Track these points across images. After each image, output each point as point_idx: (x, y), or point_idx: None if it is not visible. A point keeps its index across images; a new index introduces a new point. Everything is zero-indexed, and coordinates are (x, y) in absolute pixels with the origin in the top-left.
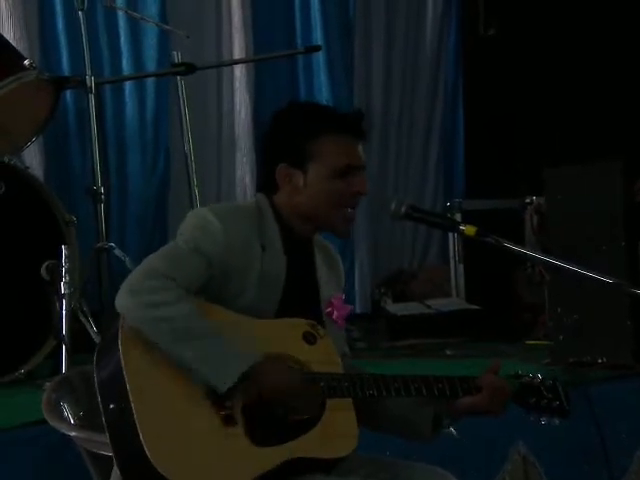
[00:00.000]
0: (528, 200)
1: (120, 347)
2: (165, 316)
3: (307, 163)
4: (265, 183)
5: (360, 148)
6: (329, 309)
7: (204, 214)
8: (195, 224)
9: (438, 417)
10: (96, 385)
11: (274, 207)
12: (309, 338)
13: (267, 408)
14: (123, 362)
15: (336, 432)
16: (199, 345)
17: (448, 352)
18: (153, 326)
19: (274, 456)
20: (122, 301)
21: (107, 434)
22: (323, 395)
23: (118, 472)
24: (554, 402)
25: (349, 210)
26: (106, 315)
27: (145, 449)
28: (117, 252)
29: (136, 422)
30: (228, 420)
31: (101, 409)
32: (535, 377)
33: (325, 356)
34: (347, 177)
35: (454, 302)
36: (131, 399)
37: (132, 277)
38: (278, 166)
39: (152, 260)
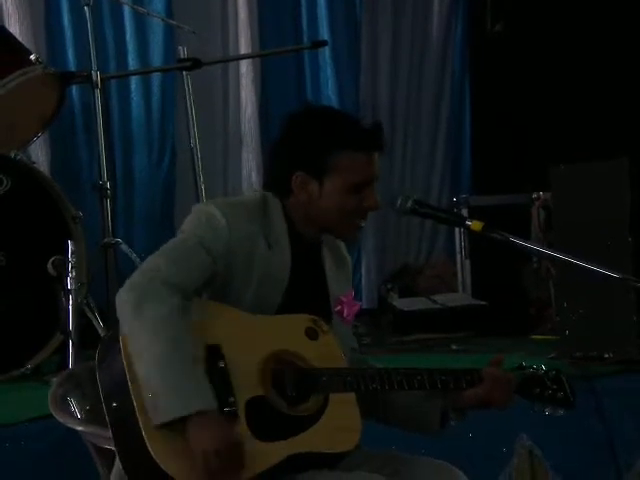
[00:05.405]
0: (535, 196)
1: (121, 345)
2: (147, 327)
3: (324, 175)
4: (278, 186)
5: (376, 159)
6: (339, 307)
7: (208, 209)
8: (199, 219)
9: (445, 410)
10: (99, 384)
11: (285, 209)
12: (311, 334)
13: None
14: (124, 360)
15: (339, 426)
16: (160, 369)
17: (454, 347)
18: (132, 329)
19: (278, 451)
20: (119, 296)
21: (110, 432)
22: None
23: (120, 466)
24: (558, 393)
25: (359, 221)
26: (112, 310)
27: (148, 446)
28: (123, 247)
29: (139, 419)
30: (230, 416)
31: (104, 408)
32: (539, 368)
33: (328, 351)
34: (361, 192)
35: (460, 297)
36: (133, 397)
37: (134, 275)
38: (295, 173)
39: (156, 258)
